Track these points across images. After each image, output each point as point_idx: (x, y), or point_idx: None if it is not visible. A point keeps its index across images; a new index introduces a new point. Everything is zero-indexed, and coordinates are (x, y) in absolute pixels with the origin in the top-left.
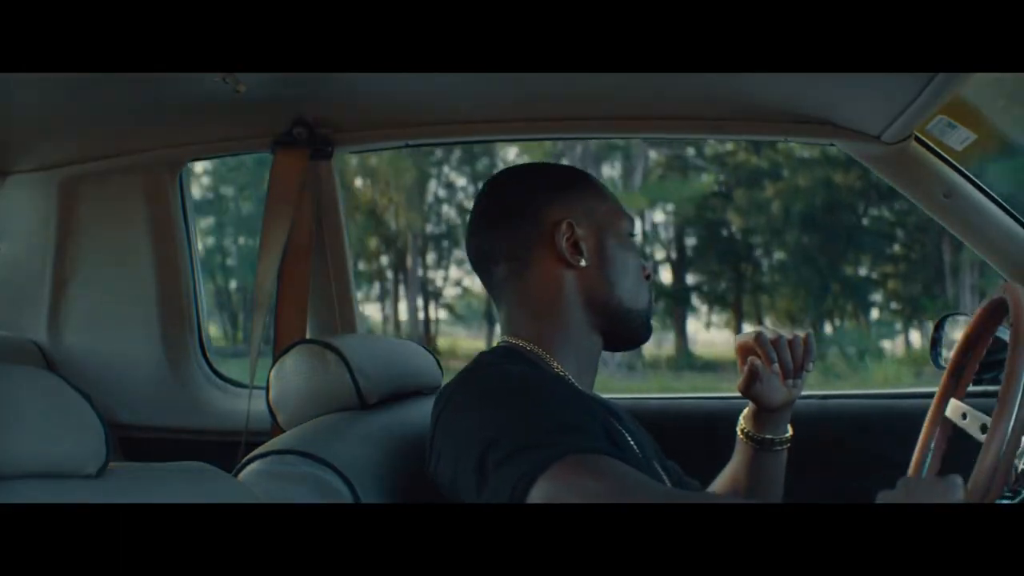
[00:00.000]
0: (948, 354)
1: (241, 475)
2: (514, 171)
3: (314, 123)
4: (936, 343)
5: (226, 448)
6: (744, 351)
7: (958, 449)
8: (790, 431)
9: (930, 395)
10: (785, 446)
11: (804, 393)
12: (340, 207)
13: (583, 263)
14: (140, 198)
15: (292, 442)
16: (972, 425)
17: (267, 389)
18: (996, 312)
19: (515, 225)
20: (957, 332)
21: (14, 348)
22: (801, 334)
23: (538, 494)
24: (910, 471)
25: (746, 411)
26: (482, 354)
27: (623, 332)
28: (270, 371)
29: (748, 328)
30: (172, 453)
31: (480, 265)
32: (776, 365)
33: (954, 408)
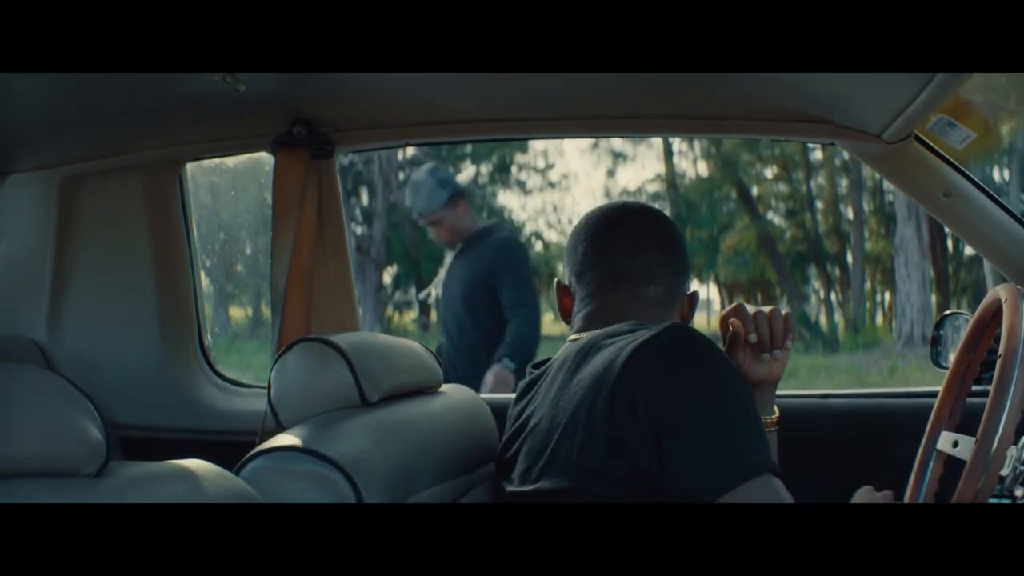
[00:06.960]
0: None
1: (243, 472)
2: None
3: (314, 122)
4: (936, 342)
5: (226, 448)
6: (726, 321)
7: (956, 475)
8: (776, 412)
9: (931, 395)
10: (773, 428)
11: (804, 392)
12: (341, 206)
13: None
14: (140, 198)
15: (294, 439)
16: (964, 451)
17: (268, 387)
18: (997, 311)
19: (682, 269)
20: (957, 331)
21: (14, 348)
22: (782, 311)
23: (735, 496)
24: (907, 499)
25: None
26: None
27: None
28: (271, 369)
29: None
30: (172, 453)
31: (626, 272)
32: (754, 335)
33: (945, 440)
